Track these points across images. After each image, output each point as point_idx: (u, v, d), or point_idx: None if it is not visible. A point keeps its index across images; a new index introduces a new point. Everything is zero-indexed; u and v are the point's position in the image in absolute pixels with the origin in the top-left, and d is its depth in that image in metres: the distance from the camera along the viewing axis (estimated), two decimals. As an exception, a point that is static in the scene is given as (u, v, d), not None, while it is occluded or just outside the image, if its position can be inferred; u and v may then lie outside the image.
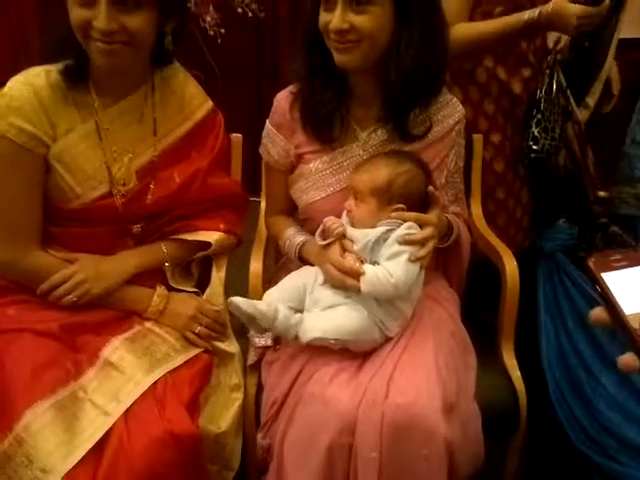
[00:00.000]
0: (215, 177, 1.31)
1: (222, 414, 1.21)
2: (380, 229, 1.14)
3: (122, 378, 1.11)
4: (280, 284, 1.25)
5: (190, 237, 1.29)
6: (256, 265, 1.34)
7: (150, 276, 1.28)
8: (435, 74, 1.23)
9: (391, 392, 1.04)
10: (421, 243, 1.13)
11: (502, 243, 1.41)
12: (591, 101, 1.65)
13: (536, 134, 1.55)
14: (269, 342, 1.28)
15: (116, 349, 1.16)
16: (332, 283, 1.17)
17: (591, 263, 0.61)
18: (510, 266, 1.32)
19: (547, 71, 1.57)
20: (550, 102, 1.57)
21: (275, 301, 1.19)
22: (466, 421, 1.12)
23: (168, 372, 1.14)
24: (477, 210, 1.54)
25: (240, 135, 1.54)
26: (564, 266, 1.68)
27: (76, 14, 1.08)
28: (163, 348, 1.19)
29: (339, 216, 1.26)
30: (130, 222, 1.25)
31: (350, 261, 1.14)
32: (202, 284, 1.36)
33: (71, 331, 1.17)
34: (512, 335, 1.34)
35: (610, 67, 1.66)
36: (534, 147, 1.55)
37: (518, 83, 1.59)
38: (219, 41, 2.48)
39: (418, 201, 1.18)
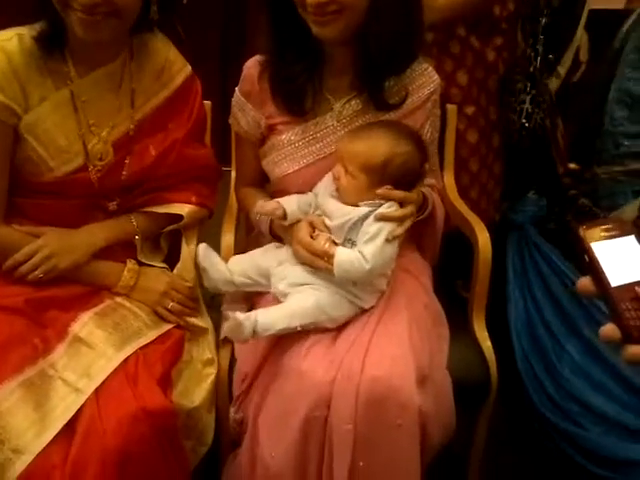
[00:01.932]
0: (190, 148, 1.26)
1: (195, 389, 1.19)
2: (362, 210, 1.12)
3: (93, 354, 1.09)
4: (251, 258, 1.25)
5: (161, 210, 1.26)
6: (228, 238, 1.31)
7: (120, 250, 1.25)
8: (413, 40, 1.21)
9: (366, 365, 1.04)
10: (399, 220, 1.12)
11: (475, 215, 1.41)
12: (562, 70, 1.66)
13: (530, 111, 1.55)
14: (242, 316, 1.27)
15: (85, 324, 1.13)
16: (301, 262, 1.16)
17: (582, 231, 0.60)
18: (482, 239, 1.33)
19: (541, 37, 1.55)
20: (542, 72, 1.58)
21: (238, 269, 1.22)
22: (439, 392, 1.14)
23: (139, 348, 1.12)
24: (450, 182, 1.53)
25: (209, 102, 1.49)
26: (533, 238, 1.70)
27: None
28: (135, 323, 1.17)
29: (311, 189, 1.24)
30: (104, 196, 1.21)
31: (321, 242, 1.12)
32: (171, 258, 1.33)
33: (38, 306, 1.14)
34: (484, 307, 1.35)
35: (581, 36, 1.66)
36: (527, 124, 1.55)
37: (492, 51, 1.58)
38: (184, 1, 2.39)
39: (409, 182, 1.15)
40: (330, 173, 1.22)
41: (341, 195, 1.16)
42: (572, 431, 1.42)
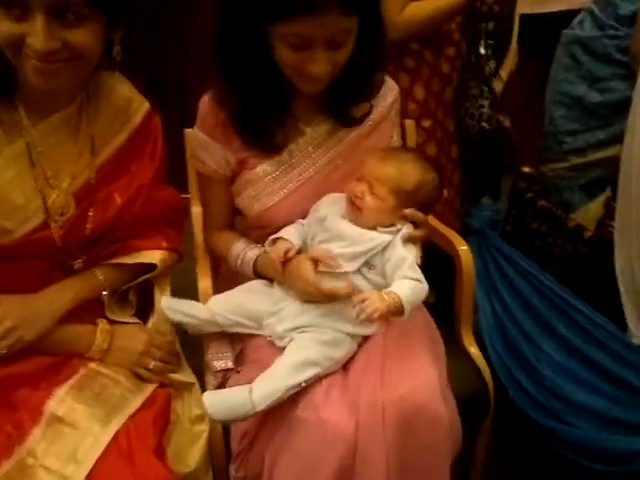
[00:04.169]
0: (157, 190, 1.16)
1: (188, 451, 1.09)
2: (386, 237, 1.08)
3: (77, 434, 0.96)
4: (235, 298, 1.16)
5: (131, 260, 1.14)
6: (204, 283, 1.22)
7: (84, 309, 1.12)
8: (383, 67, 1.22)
9: (386, 386, 1.00)
10: (420, 240, 1.12)
11: (450, 229, 1.40)
12: (504, 73, 1.70)
13: (490, 114, 1.57)
14: (229, 364, 1.18)
15: (62, 401, 1.00)
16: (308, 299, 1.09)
17: None
18: (464, 252, 1.31)
19: (490, 42, 1.58)
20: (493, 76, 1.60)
21: (220, 309, 1.14)
22: (452, 420, 1.10)
23: (127, 418, 1.01)
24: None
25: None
26: (493, 241, 1.72)
27: (5, 28, 0.89)
28: (116, 391, 1.04)
29: (298, 218, 1.18)
30: (67, 254, 1.08)
31: (345, 287, 1.05)
32: (140, 310, 1.21)
33: (4, 386, 1.00)
34: (470, 321, 1.35)
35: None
36: (487, 127, 1.56)
37: (445, 63, 1.59)
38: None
39: (429, 206, 1.16)
40: (329, 196, 1.17)
41: (362, 215, 1.10)
42: (559, 429, 1.43)
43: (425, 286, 1.05)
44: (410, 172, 1.11)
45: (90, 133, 1.07)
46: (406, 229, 1.10)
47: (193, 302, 1.16)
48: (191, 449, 1.09)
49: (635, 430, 1.31)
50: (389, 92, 1.25)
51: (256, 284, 1.18)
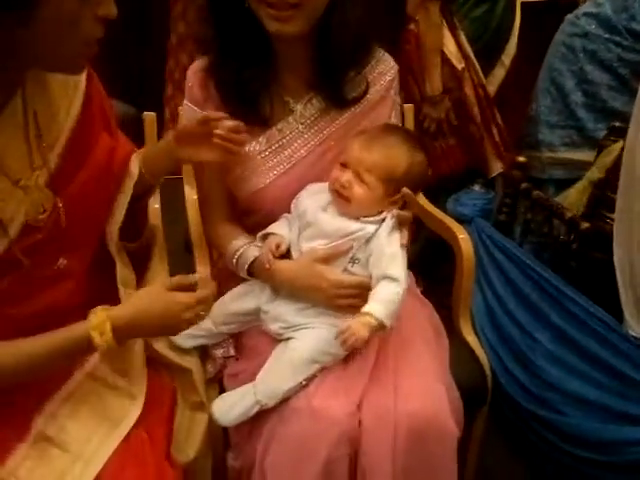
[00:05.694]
0: (120, 149, 1.05)
1: (188, 440, 1.05)
2: (370, 227, 1.05)
3: (66, 458, 0.89)
4: (225, 304, 1.14)
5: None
6: (203, 269, 1.18)
7: None
8: (372, 29, 1.16)
9: (399, 401, 0.99)
10: (411, 221, 1.08)
11: (450, 218, 1.39)
12: (507, 59, 1.69)
13: None
14: (231, 352, 1.15)
15: (53, 417, 0.92)
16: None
17: None
18: (464, 241, 1.30)
19: None
20: None
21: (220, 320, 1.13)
22: (455, 408, 1.10)
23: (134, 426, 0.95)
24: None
25: (153, 114, 1.35)
26: (485, 230, 1.72)
27: None
28: (116, 401, 0.97)
29: (289, 202, 1.14)
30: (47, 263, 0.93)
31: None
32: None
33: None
34: (468, 310, 1.34)
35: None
36: None
37: None
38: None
39: (419, 187, 1.12)
40: (310, 187, 1.13)
41: (351, 205, 1.06)
42: (552, 418, 1.45)
43: (399, 289, 1.00)
44: (399, 157, 1.06)
45: (34, 112, 0.91)
46: (392, 215, 1.05)
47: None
48: (191, 438, 1.06)
49: (627, 420, 1.33)
50: (388, 69, 1.21)
51: (241, 288, 1.15)
